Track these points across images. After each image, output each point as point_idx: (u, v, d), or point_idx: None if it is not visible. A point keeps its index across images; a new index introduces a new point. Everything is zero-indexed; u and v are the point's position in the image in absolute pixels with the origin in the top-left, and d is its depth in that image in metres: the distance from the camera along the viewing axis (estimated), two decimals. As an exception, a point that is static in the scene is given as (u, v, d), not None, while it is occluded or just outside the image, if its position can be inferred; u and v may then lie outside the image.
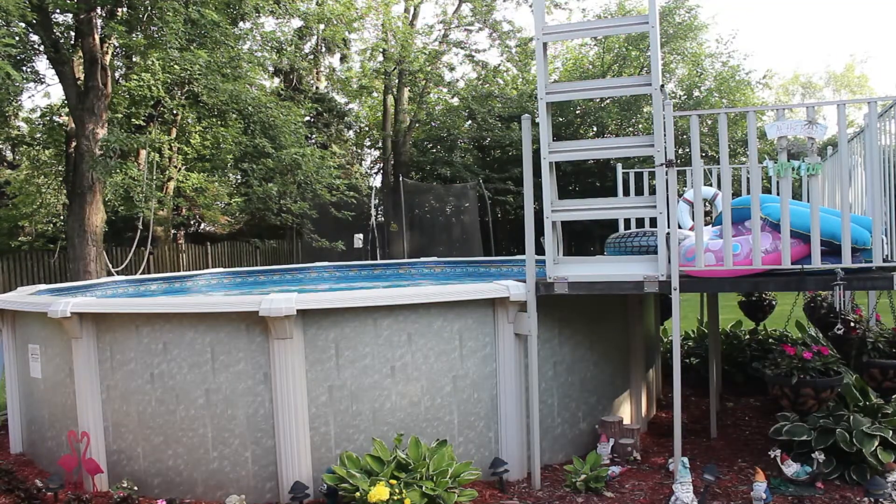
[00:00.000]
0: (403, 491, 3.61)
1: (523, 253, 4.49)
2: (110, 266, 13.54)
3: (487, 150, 23.96)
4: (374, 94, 24.29)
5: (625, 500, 4.09)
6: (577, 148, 4.56)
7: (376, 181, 24.76)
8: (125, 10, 12.55)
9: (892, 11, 53.57)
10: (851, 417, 4.25)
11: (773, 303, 6.77)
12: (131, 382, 4.37)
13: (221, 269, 8.24)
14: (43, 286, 6.22)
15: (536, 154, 4.46)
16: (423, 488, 3.66)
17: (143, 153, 15.34)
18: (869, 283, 4.00)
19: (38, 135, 16.33)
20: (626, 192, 6.51)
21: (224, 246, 20.83)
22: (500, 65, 23.08)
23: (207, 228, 22.92)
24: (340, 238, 18.09)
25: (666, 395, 6.55)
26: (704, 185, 6.57)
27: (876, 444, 4.05)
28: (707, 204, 6.09)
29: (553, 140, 4.36)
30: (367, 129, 26.32)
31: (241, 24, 14.97)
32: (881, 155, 4.07)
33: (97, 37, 12.46)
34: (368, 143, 26.77)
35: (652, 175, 5.40)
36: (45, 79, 16.32)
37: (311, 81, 22.78)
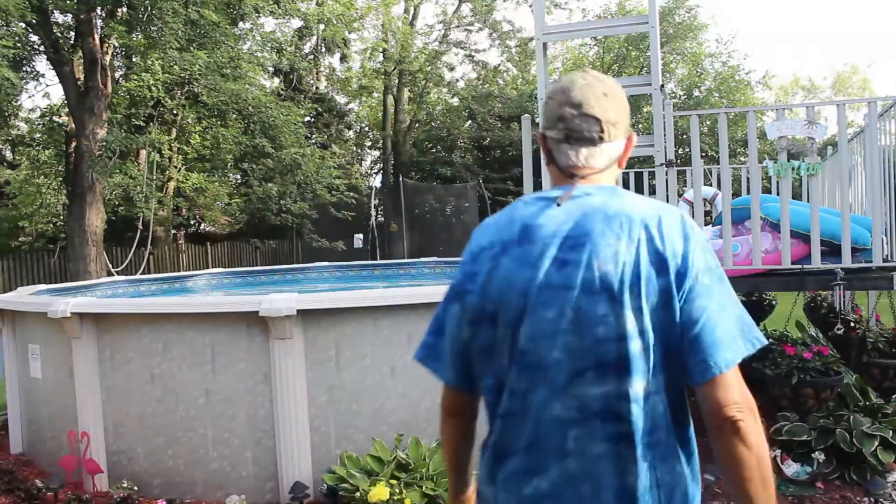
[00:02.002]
0: (403, 491, 3.61)
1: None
2: (110, 266, 13.54)
3: (487, 150, 23.95)
4: (375, 94, 24.28)
5: (625, 500, 4.08)
6: (577, 148, 4.56)
7: (376, 181, 24.77)
8: (125, 10, 12.56)
9: (891, 12, 53.67)
10: (851, 417, 4.25)
11: (773, 303, 6.76)
12: (131, 382, 4.37)
13: (221, 270, 8.24)
14: (43, 286, 6.22)
15: (536, 154, 4.46)
16: (424, 488, 3.66)
17: (143, 153, 15.35)
18: (869, 283, 4.01)
19: (38, 135, 16.33)
20: (626, 192, 6.50)
21: (224, 246, 20.81)
22: (500, 65, 23.09)
23: (207, 228, 22.89)
24: (340, 238, 18.10)
25: (666, 395, 6.52)
26: (704, 185, 6.57)
27: (876, 444, 4.05)
28: (707, 204, 6.09)
29: (553, 140, 4.36)
30: (367, 129, 26.32)
31: (240, 24, 14.97)
32: (881, 155, 4.07)
33: (97, 37, 12.47)
34: (368, 144, 26.76)
35: (652, 175, 5.40)
36: (45, 78, 16.33)
37: (311, 81, 22.79)
